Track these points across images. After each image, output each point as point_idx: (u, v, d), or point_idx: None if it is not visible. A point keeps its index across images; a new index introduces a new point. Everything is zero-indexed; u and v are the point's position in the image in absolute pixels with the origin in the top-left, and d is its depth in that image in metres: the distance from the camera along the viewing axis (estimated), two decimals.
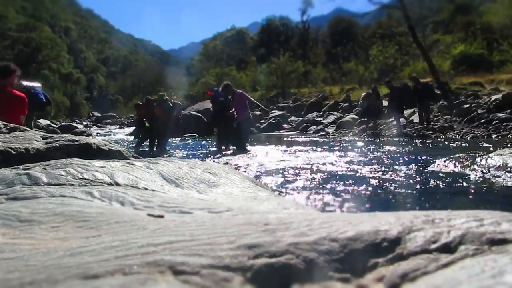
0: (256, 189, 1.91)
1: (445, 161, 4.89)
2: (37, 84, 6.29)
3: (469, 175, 4.15)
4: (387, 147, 7.85)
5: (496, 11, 27.47)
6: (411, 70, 24.33)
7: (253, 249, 0.60)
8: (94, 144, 2.37)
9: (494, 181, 3.80)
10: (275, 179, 4.38)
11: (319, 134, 13.94)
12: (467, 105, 13.26)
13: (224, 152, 7.41)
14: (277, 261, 0.58)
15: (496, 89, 16.70)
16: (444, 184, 3.86)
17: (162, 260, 0.56)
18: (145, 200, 1.23)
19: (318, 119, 17.13)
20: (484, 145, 7.58)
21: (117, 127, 25.93)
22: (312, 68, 34.92)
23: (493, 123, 10.80)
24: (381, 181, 4.13)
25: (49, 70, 46.71)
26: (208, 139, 11.66)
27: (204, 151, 8.24)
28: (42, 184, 1.40)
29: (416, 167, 4.96)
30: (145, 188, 1.50)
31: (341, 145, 9.14)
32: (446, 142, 8.83)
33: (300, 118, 18.76)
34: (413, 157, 6.09)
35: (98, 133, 19.33)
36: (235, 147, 7.70)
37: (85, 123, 30.60)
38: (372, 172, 4.69)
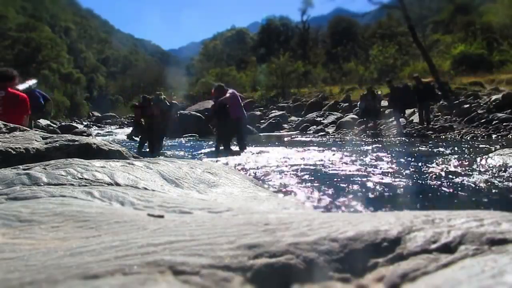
0: (256, 189, 1.91)
1: (445, 161, 4.89)
2: (32, 82, 6.24)
3: (469, 175, 4.15)
4: (387, 147, 7.85)
5: (496, 11, 27.47)
6: (411, 70, 24.34)
7: (253, 249, 0.60)
8: (94, 144, 2.37)
9: (494, 181, 3.80)
10: (275, 179, 4.38)
11: (319, 134, 13.93)
12: (467, 105, 13.26)
13: (223, 152, 7.40)
14: (277, 261, 0.58)
15: (496, 89, 16.71)
16: (444, 184, 3.86)
17: (162, 260, 0.56)
18: (145, 200, 1.23)
19: (318, 119, 17.13)
20: (484, 145, 7.59)
21: (117, 127, 25.92)
22: (312, 68, 34.91)
23: (493, 123, 10.80)
24: (381, 181, 4.13)
25: (49, 70, 46.72)
26: (208, 139, 11.65)
27: (203, 151, 8.23)
28: (42, 184, 1.40)
29: (416, 167, 4.96)
30: (145, 188, 1.50)
31: (341, 145, 9.14)
32: (446, 142, 8.83)
33: (300, 118, 18.76)
34: (413, 157, 6.09)
35: (98, 133, 19.32)
36: (236, 147, 7.69)
37: (85, 123, 30.59)
38: (372, 172, 4.69)
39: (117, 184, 1.50)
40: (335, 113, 17.98)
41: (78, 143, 2.31)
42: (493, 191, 3.51)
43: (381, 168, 4.91)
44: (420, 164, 5.17)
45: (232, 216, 0.98)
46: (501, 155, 4.41)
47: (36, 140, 2.28)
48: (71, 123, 26.03)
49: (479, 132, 10.29)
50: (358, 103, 13.88)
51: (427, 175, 4.36)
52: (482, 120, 11.31)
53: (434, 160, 5.17)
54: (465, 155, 5.12)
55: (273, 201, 1.61)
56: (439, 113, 13.72)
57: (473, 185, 3.74)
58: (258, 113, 20.71)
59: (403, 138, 10.16)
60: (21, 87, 6.01)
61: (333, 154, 6.64)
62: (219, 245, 0.62)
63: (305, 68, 33.08)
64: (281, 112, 20.45)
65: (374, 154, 6.49)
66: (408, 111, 13.68)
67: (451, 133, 10.70)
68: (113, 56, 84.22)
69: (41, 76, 43.87)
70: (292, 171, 4.89)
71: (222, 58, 50.17)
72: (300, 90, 30.05)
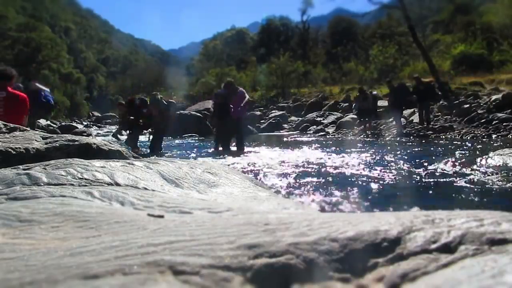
0: (256, 189, 1.91)
1: (445, 161, 4.89)
2: (45, 88, 6.57)
3: (469, 175, 4.15)
4: (387, 147, 7.85)
5: (496, 11, 27.45)
6: (411, 70, 24.33)
7: (253, 249, 0.60)
8: (94, 144, 2.37)
9: (494, 181, 3.80)
10: (275, 179, 4.38)
11: (319, 134, 13.94)
12: (467, 105, 13.27)
13: (222, 152, 7.38)
14: (277, 261, 0.58)
15: (496, 89, 16.70)
16: (444, 184, 3.86)
17: (162, 260, 0.56)
18: (145, 200, 1.23)
19: (318, 119, 17.13)
20: (484, 145, 7.58)
21: (117, 127, 25.88)
22: (312, 68, 34.88)
23: (493, 123, 10.81)
24: (381, 181, 4.13)
25: (49, 70, 46.71)
26: (208, 139, 11.65)
27: (203, 151, 8.22)
28: (42, 184, 1.40)
29: (416, 167, 4.96)
30: (145, 188, 1.50)
31: (341, 145, 9.14)
32: (446, 142, 8.83)
33: (300, 118, 18.76)
34: (413, 157, 6.09)
35: (98, 133, 19.32)
36: (235, 147, 7.68)
37: (85, 123, 30.59)
38: (372, 172, 4.69)
39: (117, 184, 1.50)
40: (335, 113, 17.99)
41: (78, 143, 2.31)
42: (493, 191, 3.51)
43: (381, 168, 4.91)
44: (420, 164, 5.17)
45: (232, 216, 0.98)
46: (501, 155, 4.41)
47: (36, 140, 2.28)
48: (71, 123, 26.04)
49: (479, 132, 10.29)
50: (353, 105, 13.93)
51: (427, 175, 4.36)
52: (482, 120, 11.31)
53: (434, 160, 5.17)
54: (465, 155, 5.12)
55: (273, 201, 1.61)
56: (439, 113, 13.72)
57: (473, 185, 3.74)
58: (258, 113, 20.72)
59: (403, 138, 10.16)
60: (40, 85, 6.27)
61: (333, 154, 6.64)
62: (219, 245, 0.62)
63: (305, 68, 33.05)
64: (281, 112, 20.45)
65: (374, 154, 6.49)
66: (408, 111, 13.69)
67: (451, 133, 10.70)
68: (113, 56, 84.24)
69: (41, 76, 43.89)
70: (292, 171, 4.89)
71: (222, 58, 50.14)
72: (300, 90, 30.04)
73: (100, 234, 0.81)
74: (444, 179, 4.06)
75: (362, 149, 7.61)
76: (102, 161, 1.76)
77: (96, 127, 26.23)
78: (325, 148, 8.03)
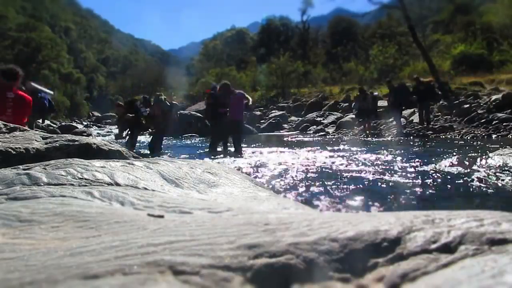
0: (256, 189, 1.91)
1: (445, 161, 4.89)
2: (49, 91, 6.49)
3: (469, 175, 4.15)
4: (387, 147, 7.85)
5: (496, 11, 27.45)
6: (411, 70, 24.32)
7: (253, 249, 0.60)
8: (94, 144, 2.37)
9: (494, 181, 3.80)
10: (275, 179, 4.38)
11: (319, 134, 13.94)
12: (467, 105, 13.27)
13: (219, 152, 7.35)
14: (277, 261, 0.58)
15: (496, 89, 16.71)
16: (444, 184, 3.86)
17: (162, 260, 0.56)
18: (145, 200, 1.23)
19: (318, 119, 17.14)
20: (484, 145, 7.58)
21: (117, 127, 25.87)
22: (312, 68, 34.88)
23: (493, 123, 10.81)
24: (381, 181, 4.13)
25: (49, 70, 46.71)
26: (208, 139, 11.64)
27: (202, 151, 8.22)
28: (42, 184, 1.40)
29: (416, 167, 4.96)
30: (145, 188, 1.50)
31: (341, 145, 9.14)
32: (446, 142, 8.83)
33: (300, 118, 18.77)
34: (413, 157, 6.09)
35: (98, 133, 19.33)
36: (232, 148, 7.65)
37: (85, 123, 30.58)
38: (372, 172, 4.69)
39: (117, 184, 1.50)
40: (335, 113, 17.99)
41: (78, 143, 2.31)
42: (493, 191, 3.51)
43: (381, 168, 4.91)
44: (420, 164, 5.17)
45: (232, 216, 0.98)
46: (501, 155, 4.41)
47: (36, 140, 2.28)
48: (71, 123, 26.03)
49: (479, 132, 10.29)
50: (353, 104, 13.94)
51: (427, 175, 4.36)
52: (482, 120, 11.32)
53: (434, 160, 5.17)
54: (465, 155, 5.12)
55: (273, 201, 1.61)
56: (439, 113, 13.72)
57: (473, 185, 3.74)
58: (258, 113, 20.73)
59: (403, 138, 10.16)
60: (39, 87, 6.19)
61: (333, 154, 6.64)
62: (219, 245, 0.62)
63: (305, 68, 33.05)
64: (281, 112, 20.46)
65: (374, 154, 6.49)
66: (408, 111, 13.69)
67: (451, 133, 10.70)
68: (113, 56, 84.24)
69: (41, 76, 43.87)
70: (292, 171, 4.89)
71: (222, 58, 50.12)
72: (300, 90, 30.04)
73: (100, 234, 0.81)
74: (444, 179, 4.06)
75: (362, 149, 7.61)
76: (102, 161, 1.76)
77: (96, 127, 26.22)
78: (325, 148, 8.03)
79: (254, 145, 9.31)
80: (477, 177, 4.01)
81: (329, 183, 4.10)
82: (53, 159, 1.84)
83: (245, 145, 9.17)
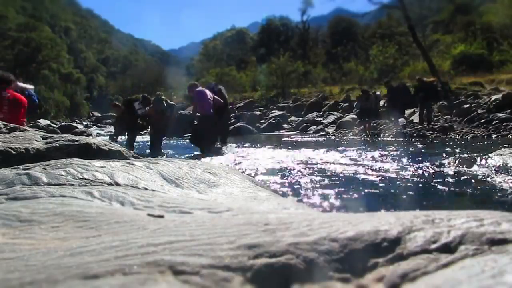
0: (256, 189, 1.91)
1: (445, 161, 4.89)
2: (30, 87, 6.40)
3: (469, 175, 4.15)
4: (387, 147, 7.85)
5: (496, 11, 27.45)
6: (411, 70, 24.32)
7: (253, 249, 0.60)
8: (94, 144, 2.37)
9: (494, 181, 3.80)
10: (275, 179, 4.38)
11: (319, 134, 13.94)
12: (467, 105, 13.27)
13: (206, 152, 7.25)
14: (277, 261, 0.58)
15: (496, 89, 16.71)
16: (444, 184, 3.86)
17: (162, 260, 0.56)
18: (145, 200, 1.23)
19: (318, 119, 17.13)
20: (484, 145, 7.59)
21: (114, 127, 25.86)
22: (312, 68, 34.88)
23: (493, 123, 10.81)
24: (381, 181, 4.13)
25: (49, 70, 46.71)
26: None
27: (197, 152, 8.20)
28: (42, 184, 1.40)
29: (416, 167, 4.96)
30: (145, 188, 1.50)
31: (341, 145, 9.14)
32: (446, 142, 8.83)
33: (300, 118, 18.76)
34: (413, 157, 6.09)
35: (98, 133, 19.33)
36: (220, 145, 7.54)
37: (85, 123, 30.56)
38: (372, 172, 4.69)
39: (117, 184, 1.50)
40: (335, 113, 17.98)
41: (78, 143, 2.31)
42: (493, 191, 3.51)
43: (381, 168, 4.91)
44: (420, 164, 5.17)
45: (232, 216, 0.98)
46: (501, 155, 4.41)
47: (36, 140, 2.28)
48: (71, 123, 26.04)
49: (479, 132, 10.29)
50: (355, 104, 13.93)
51: (427, 175, 4.36)
52: (482, 120, 11.32)
53: (434, 160, 5.17)
54: (465, 155, 5.12)
55: (273, 201, 1.61)
56: (439, 113, 13.72)
57: (473, 185, 3.74)
58: (258, 113, 20.72)
59: (403, 138, 10.16)
60: (21, 84, 6.12)
61: (333, 154, 6.64)
62: (219, 245, 0.62)
63: (305, 68, 33.05)
64: (281, 112, 20.44)
65: (374, 154, 6.49)
66: (408, 111, 13.69)
67: (451, 133, 10.70)
68: (113, 56, 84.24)
69: (41, 76, 43.88)
70: (292, 171, 4.89)
71: (222, 58, 50.11)
72: (300, 90, 30.04)
73: (100, 234, 0.81)
74: (444, 179, 4.06)
75: (362, 149, 7.61)
76: (102, 161, 1.76)
77: (96, 127, 26.22)
78: (325, 148, 8.02)
79: (254, 145, 9.31)
80: (477, 177, 4.01)
81: (329, 183, 4.10)
82: (53, 159, 1.84)
83: (245, 145, 9.17)
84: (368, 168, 4.96)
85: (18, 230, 0.87)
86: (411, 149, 7.48)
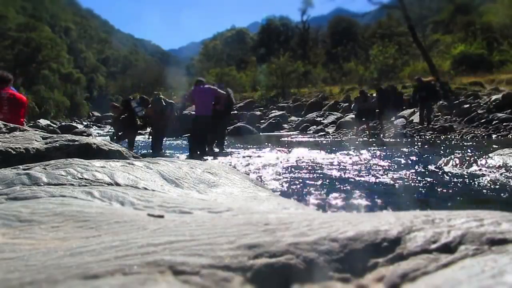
0: (256, 189, 1.91)
1: (445, 161, 4.89)
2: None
3: (470, 175, 4.15)
4: (387, 147, 7.85)
5: (496, 11, 27.45)
6: (411, 70, 24.32)
7: (253, 249, 0.60)
8: (94, 144, 2.37)
9: (494, 181, 3.80)
10: (275, 179, 4.38)
11: (319, 134, 13.94)
12: (467, 105, 13.27)
13: (195, 155, 7.06)
14: (277, 261, 0.58)
15: (496, 89, 16.71)
16: (444, 184, 3.86)
17: (162, 260, 0.56)
18: (145, 200, 1.22)
19: (318, 119, 17.13)
20: (484, 145, 7.58)
21: (113, 128, 25.85)
22: (312, 68, 34.87)
23: (493, 123, 10.81)
24: (381, 181, 4.13)
25: (49, 70, 46.72)
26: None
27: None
28: (42, 184, 1.40)
29: (416, 167, 4.96)
30: (145, 188, 1.50)
31: (341, 145, 9.14)
32: (446, 142, 8.83)
33: (300, 118, 18.75)
34: (413, 157, 6.09)
35: (98, 133, 19.32)
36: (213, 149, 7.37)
37: (85, 123, 30.57)
38: (372, 172, 4.69)
39: (117, 184, 1.50)
40: (335, 113, 17.98)
41: (78, 143, 2.31)
42: (493, 191, 3.51)
43: (381, 168, 4.91)
44: (420, 164, 5.17)
45: (232, 216, 0.98)
46: (501, 155, 4.41)
47: (36, 140, 2.28)
48: (71, 123, 26.05)
49: (479, 132, 10.29)
50: (352, 105, 13.91)
51: (427, 175, 4.36)
52: (482, 120, 11.32)
53: (434, 160, 5.17)
54: (465, 155, 5.12)
55: (273, 201, 1.61)
56: (439, 113, 13.73)
57: (473, 185, 3.74)
58: (258, 113, 20.72)
59: (403, 138, 10.16)
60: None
61: (333, 154, 6.64)
62: (219, 245, 0.62)
63: (305, 68, 33.04)
64: (281, 112, 20.44)
65: (374, 155, 6.49)
66: (408, 111, 13.69)
67: (451, 133, 10.70)
68: (113, 56, 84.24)
69: (41, 76, 43.88)
70: (292, 171, 4.89)
71: (222, 58, 50.10)
72: (300, 90, 30.03)
73: (100, 234, 0.81)
74: (444, 179, 4.06)
75: (362, 149, 7.61)
76: (102, 161, 1.76)
77: (96, 127, 26.21)
78: (325, 148, 8.02)
79: (254, 145, 9.31)
80: (477, 177, 4.01)
81: (329, 183, 4.10)
82: (53, 159, 1.84)
83: (245, 145, 9.17)
84: (368, 168, 4.96)
85: (18, 230, 0.87)
86: (411, 149, 7.48)
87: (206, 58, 52.66)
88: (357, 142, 9.76)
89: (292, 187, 3.96)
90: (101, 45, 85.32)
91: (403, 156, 6.23)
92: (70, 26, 75.09)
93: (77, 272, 0.54)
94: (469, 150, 6.43)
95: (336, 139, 11.56)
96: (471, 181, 3.90)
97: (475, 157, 4.68)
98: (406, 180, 4.17)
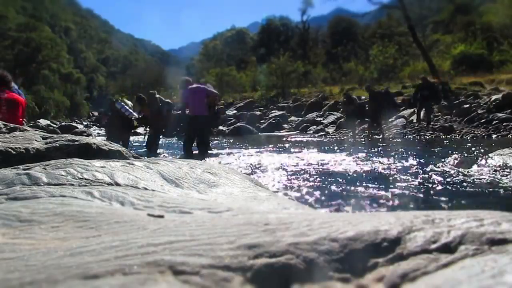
0: (256, 189, 1.91)
1: (445, 161, 4.89)
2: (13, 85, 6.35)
3: (469, 175, 4.15)
4: (386, 147, 7.85)
5: (496, 11, 27.45)
6: (411, 70, 24.32)
7: (253, 249, 0.60)
8: (94, 144, 2.37)
9: (494, 181, 3.80)
10: (275, 179, 4.38)
11: (319, 134, 13.94)
12: (467, 105, 13.27)
13: (188, 155, 6.98)
14: (277, 261, 0.58)
15: (496, 89, 16.70)
16: (444, 184, 3.86)
17: (162, 260, 0.56)
18: (145, 200, 1.23)
19: (318, 119, 17.13)
20: (484, 145, 7.58)
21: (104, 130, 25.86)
22: (312, 68, 34.85)
23: (493, 123, 10.81)
24: (381, 181, 4.13)
25: (49, 70, 46.74)
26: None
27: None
28: (42, 184, 1.40)
29: (416, 167, 4.96)
30: (145, 188, 1.50)
31: (341, 145, 9.14)
32: (446, 142, 8.83)
33: (300, 118, 18.74)
34: (413, 157, 6.09)
35: (98, 133, 19.32)
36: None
37: (85, 123, 30.57)
38: (372, 172, 4.69)
39: (117, 184, 1.50)
40: (335, 113, 17.97)
41: (78, 143, 2.31)
42: (493, 191, 3.51)
43: (380, 169, 4.91)
44: (420, 164, 5.17)
45: (232, 216, 0.98)
46: (501, 155, 4.41)
47: (36, 140, 2.28)
48: (71, 123, 26.07)
49: (479, 132, 10.29)
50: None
51: (427, 175, 4.36)
52: (482, 120, 11.32)
53: (434, 160, 5.17)
54: (465, 155, 5.12)
55: (273, 201, 1.61)
56: (439, 113, 13.73)
57: (473, 185, 3.74)
58: (258, 113, 20.71)
59: (403, 138, 10.16)
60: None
61: (333, 154, 6.64)
62: (219, 245, 0.62)
63: (305, 68, 33.02)
64: (281, 112, 20.43)
65: (374, 154, 6.49)
66: (407, 111, 13.69)
67: (451, 133, 10.70)
68: (113, 56, 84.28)
69: (41, 76, 43.87)
70: (292, 171, 4.89)
71: (222, 58, 50.08)
72: (300, 90, 30.01)
73: (100, 234, 0.81)
74: (444, 179, 4.06)
75: (362, 149, 7.61)
76: (102, 161, 1.76)
77: (96, 127, 26.21)
78: (325, 148, 8.02)
79: (254, 145, 9.31)
80: (477, 177, 4.01)
81: (329, 183, 4.10)
82: (53, 159, 1.84)
83: (245, 145, 9.18)
84: (368, 168, 4.96)
85: (18, 230, 0.87)
86: (411, 149, 7.48)
87: (206, 58, 52.65)
88: (357, 142, 9.76)
89: (292, 187, 3.96)
90: (101, 45, 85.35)
91: (402, 156, 6.23)
92: (70, 26, 75.11)
93: (77, 272, 0.54)
94: (469, 150, 6.43)
95: (336, 139, 11.56)
96: (471, 181, 3.90)
97: (475, 157, 4.68)
98: (406, 180, 4.17)
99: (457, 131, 10.81)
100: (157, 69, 56.12)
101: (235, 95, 31.11)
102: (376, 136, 11.34)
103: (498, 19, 26.49)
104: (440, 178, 4.12)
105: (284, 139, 12.54)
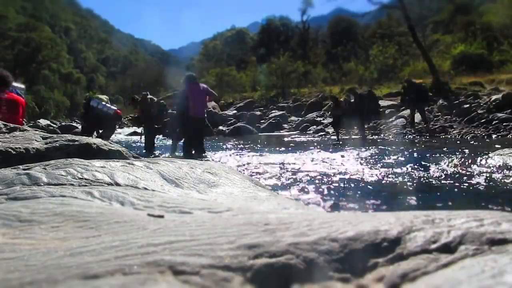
0: (256, 189, 1.91)
1: (445, 161, 4.89)
2: (20, 85, 6.29)
3: (469, 175, 4.15)
4: (386, 147, 7.85)
5: (496, 11, 27.45)
6: (411, 70, 24.32)
7: (253, 249, 0.60)
8: (94, 144, 2.37)
9: (494, 181, 3.80)
10: (275, 179, 4.38)
11: (319, 134, 13.94)
12: (467, 105, 13.27)
13: (188, 155, 6.82)
14: (277, 261, 0.58)
15: (496, 89, 16.70)
16: (444, 184, 3.86)
17: (162, 260, 0.56)
18: (145, 200, 1.22)
19: (318, 119, 17.14)
20: (484, 145, 7.58)
21: (117, 127, 25.85)
22: (312, 68, 34.85)
23: (493, 123, 10.82)
24: (381, 181, 4.13)
25: (49, 70, 46.76)
26: (207, 140, 11.62)
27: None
28: (42, 184, 1.40)
29: (415, 167, 4.96)
30: (145, 188, 1.50)
31: (341, 145, 9.14)
32: (446, 142, 8.83)
33: (300, 118, 18.75)
34: (413, 157, 6.09)
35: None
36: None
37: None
38: (372, 172, 4.69)
39: (117, 184, 1.50)
40: None
41: (78, 143, 2.31)
42: (493, 191, 3.51)
43: (380, 168, 4.91)
44: (419, 164, 5.17)
45: (232, 216, 0.98)
46: (501, 155, 4.41)
47: (36, 140, 2.28)
48: (71, 123, 26.05)
49: (479, 132, 10.30)
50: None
51: (427, 175, 4.36)
52: (482, 120, 11.32)
53: (434, 160, 5.17)
54: (465, 155, 5.12)
55: (273, 201, 1.61)
56: (439, 113, 13.73)
57: (473, 185, 3.74)
58: (258, 113, 20.73)
59: (403, 138, 10.16)
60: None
61: (333, 154, 6.64)
62: (219, 245, 0.62)
63: (305, 68, 33.02)
64: (281, 112, 20.44)
65: (374, 154, 6.49)
66: (407, 111, 13.68)
67: (451, 133, 10.70)
68: (113, 56, 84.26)
69: (41, 76, 43.88)
70: (292, 171, 4.89)
71: (222, 58, 50.07)
72: (300, 90, 30.01)
73: (100, 234, 0.81)
74: (444, 179, 4.06)
75: (362, 149, 7.61)
76: (102, 161, 1.76)
77: None
78: (324, 148, 8.03)
79: (254, 145, 9.31)
80: (477, 177, 4.01)
81: (329, 183, 4.10)
82: (53, 159, 1.84)
83: (245, 145, 9.18)
84: (367, 168, 4.96)
85: (18, 230, 0.87)
86: (410, 149, 7.48)
87: (206, 58, 52.64)
88: (356, 142, 9.76)
89: (292, 187, 3.96)
90: (101, 45, 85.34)
91: (402, 156, 6.23)
92: (70, 26, 75.12)
93: (77, 272, 0.54)
94: (469, 150, 6.43)
95: (335, 139, 11.54)
96: (471, 181, 3.90)
97: (475, 157, 4.68)
98: (406, 180, 4.17)
99: (457, 131, 10.82)
100: (157, 69, 56.16)
101: (235, 95, 31.12)
102: (376, 136, 11.34)
103: (498, 19, 26.48)
104: (440, 178, 4.12)
105: (284, 139, 12.54)
